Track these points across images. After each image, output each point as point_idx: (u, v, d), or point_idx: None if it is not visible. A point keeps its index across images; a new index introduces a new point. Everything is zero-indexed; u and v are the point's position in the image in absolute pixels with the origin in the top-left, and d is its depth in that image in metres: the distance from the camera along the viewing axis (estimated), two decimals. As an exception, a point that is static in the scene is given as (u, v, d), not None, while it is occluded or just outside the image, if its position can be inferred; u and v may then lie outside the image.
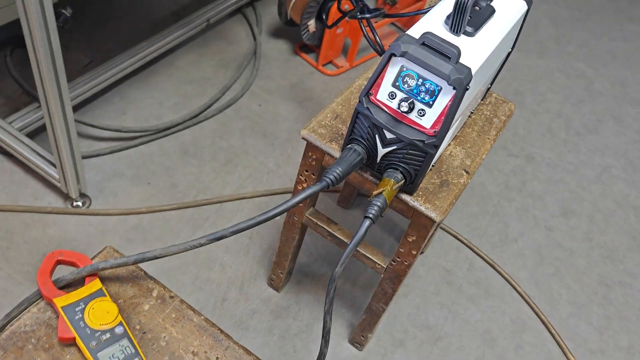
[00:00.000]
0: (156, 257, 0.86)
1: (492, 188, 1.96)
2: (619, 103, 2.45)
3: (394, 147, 0.96)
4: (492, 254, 1.75)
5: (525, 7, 1.11)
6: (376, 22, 2.24)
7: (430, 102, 0.92)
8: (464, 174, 1.11)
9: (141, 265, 0.91)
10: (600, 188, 2.06)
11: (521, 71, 2.47)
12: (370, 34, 1.38)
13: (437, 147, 0.94)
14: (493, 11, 1.03)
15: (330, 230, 1.25)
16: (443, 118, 0.92)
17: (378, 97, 0.95)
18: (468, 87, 0.89)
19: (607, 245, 1.87)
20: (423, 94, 0.92)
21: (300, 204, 1.24)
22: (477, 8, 1.02)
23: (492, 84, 1.25)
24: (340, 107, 1.17)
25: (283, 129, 1.94)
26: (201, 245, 0.86)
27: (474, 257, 1.74)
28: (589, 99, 2.43)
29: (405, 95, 0.93)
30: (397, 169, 0.98)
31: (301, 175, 1.19)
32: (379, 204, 0.93)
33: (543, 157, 2.11)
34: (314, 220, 1.25)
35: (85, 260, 0.88)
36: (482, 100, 1.29)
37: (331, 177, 0.93)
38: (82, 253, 0.87)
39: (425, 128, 0.93)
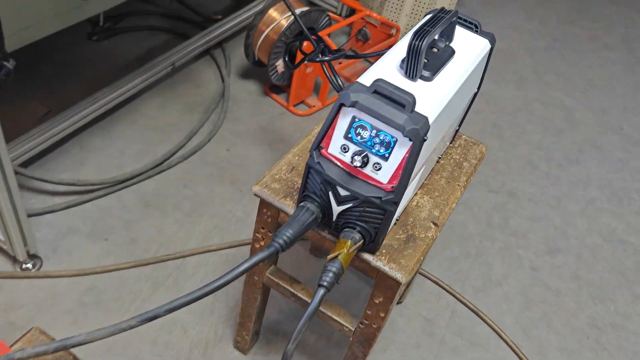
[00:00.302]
0: (80, 344, 0.76)
1: (473, 227, 1.87)
2: (600, 131, 2.39)
3: (350, 205, 0.88)
4: (475, 300, 1.65)
5: (488, 47, 1.04)
6: (340, 63, 2.18)
7: (386, 155, 0.84)
8: (432, 226, 1.02)
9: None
10: (585, 222, 1.98)
11: (499, 103, 2.41)
12: (332, 76, 1.31)
13: (396, 203, 0.86)
14: (453, 52, 0.96)
15: (293, 290, 1.15)
16: (401, 172, 0.83)
17: (330, 150, 0.87)
18: (425, 137, 0.81)
19: (596, 283, 1.78)
20: (378, 146, 0.84)
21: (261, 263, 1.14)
22: (434, 50, 0.95)
23: (460, 125, 1.18)
24: (296, 158, 1.09)
25: (252, 174, 1.86)
26: (131, 327, 0.76)
27: (456, 304, 1.64)
28: (569, 128, 2.37)
29: (359, 148, 0.85)
30: (354, 228, 0.89)
31: (257, 233, 1.09)
32: (334, 269, 0.83)
33: (525, 192, 2.03)
34: (275, 280, 1.16)
35: (2, 349, 0.77)
36: (450, 143, 1.21)
37: (280, 241, 0.84)
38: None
39: (382, 183, 0.85)
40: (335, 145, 0.86)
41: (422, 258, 0.96)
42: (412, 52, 0.86)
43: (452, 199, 1.08)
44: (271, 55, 1.96)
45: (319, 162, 0.87)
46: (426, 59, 0.91)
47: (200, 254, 1.59)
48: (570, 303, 1.71)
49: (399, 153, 0.83)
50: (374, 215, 0.88)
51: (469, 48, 1.00)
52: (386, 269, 0.93)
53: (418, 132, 0.79)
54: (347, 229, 0.89)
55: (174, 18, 2.41)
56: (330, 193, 0.88)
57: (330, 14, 2.17)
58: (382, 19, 2.25)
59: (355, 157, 0.83)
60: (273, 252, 0.83)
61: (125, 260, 1.54)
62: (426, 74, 0.89)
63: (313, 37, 1.36)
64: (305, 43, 1.76)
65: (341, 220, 0.90)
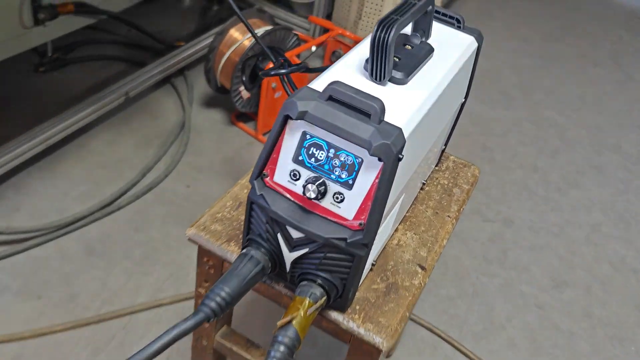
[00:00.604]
0: None
1: (469, 262, 1.65)
2: (597, 151, 2.21)
3: (306, 250, 0.66)
4: (477, 348, 1.43)
5: (475, 45, 0.85)
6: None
7: (349, 182, 0.62)
8: (419, 271, 0.80)
9: None
10: (592, 251, 1.77)
11: (487, 125, 2.22)
12: (291, 91, 1.11)
13: (367, 245, 0.64)
14: (431, 50, 0.76)
15: (249, 357, 0.92)
16: (370, 203, 0.62)
17: (276, 179, 0.66)
18: (401, 156, 0.61)
19: (612, 321, 1.56)
20: (338, 170, 0.63)
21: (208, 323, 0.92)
22: (407, 47, 0.75)
23: (446, 144, 0.97)
24: (245, 191, 0.87)
25: (215, 213, 1.63)
26: None
27: (455, 354, 1.41)
28: (565, 148, 2.18)
29: (313, 175, 0.64)
30: (314, 281, 0.67)
31: (200, 287, 0.87)
32: (285, 341, 0.61)
33: (523, 220, 1.83)
34: (228, 344, 0.93)
35: None
36: (436, 166, 1.00)
37: (212, 304, 0.62)
38: None
39: (347, 220, 0.64)
40: (282, 172, 0.65)
41: (407, 314, 0.74)
42: (378, 46, 0.65)
43: (442, 235, 0.87)
44: (234, 79, 1.77)
45: (262, 195, 0.66)
46: (397, 58, 0.71)
47: (151, 309, 1.36)
48: (584, 346, 1.48)
49: (367, 178, 0.62)
50: (339, 263, 0.66)
51: (451, 46, 0.80)
52: (361, 331, 0.71)
53: (389, 148, 0.59)
54: (305, 282, 0.68)
55: (132, 46, 2.22)
56: (279, 235, 0.67)
57: (300, 34, 1.99)
58: (356, 38, 2.07)
59: (309, 187, 0.62)
60: (200, 321, 0.61)
61: (61, 321, 1.30)
62: (398, 75, 0.69)
63: (273, 53, 1.17)
64: (268, 63, 1.57)
65: (297, 271, 0.69)
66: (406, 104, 0.66)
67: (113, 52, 2.18)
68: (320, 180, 0.63)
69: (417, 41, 0.76)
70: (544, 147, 2.17)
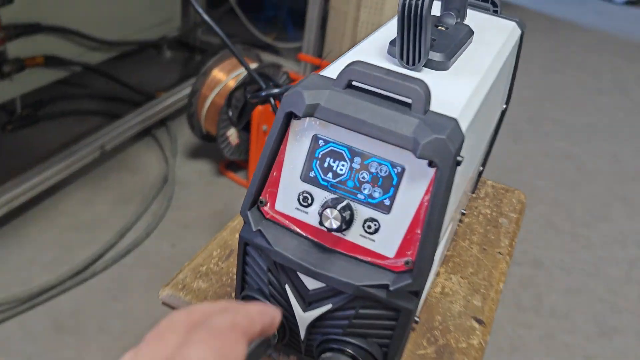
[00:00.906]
0: None
1: (500, 312, 1.44)
2: (619, 180, 2.03)
3: (328, 308, 0.46)
4: (522, 415, 1.19)
5: (519, 31, 0.67)
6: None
7: (386, 202, 0.43)
8: (476, 326, 0.60)
9: None
10: (635, 289, 1.56)
11: (497, 159, 2.05)
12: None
13: (417, 294, 0.44)
14: (470, 32, 0.58)
15: None
16: (420, 230, 0.42)
17: (278, 207, 0.47)
18: (460, 157, 0.42)
19: (673, 371, 1.34)
20: (368, 187, 0.44)
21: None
22: (441, 28, 0.57)
23: (484, 165, 0.79)
24: (237, 235, 0.67)
25: (205, 273, 1.42)
26: None
27: None
28: (585, 180, 2.01)
29: (332, 196, 0.44)
30: (342, 351, 0.47)
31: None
32: None
33: (553, 260, 1.62)
34: None
35: None
36: (472, 193, 0.81)
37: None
38: None
39: (386, 257, 0.44)
40: (287, 197, 0.46)
41: (470, 388, 0.53)
42: (410, 16, 0.48)
43: (496, 277, 0.67)
44: (220, 123, 1.59)
45: (260, 232, 0.46)
46: (433, 39, 0.53)
47: (131, 395, 1.12)
48: (649, 404, 1.26)
49: (412, 194, 0.42)
50: (377, 323, 0.46)
51: (491, 31, 0.63)
52: (410, 419, 0.50)
53: (445, 145, 0.40)
54: (330, 355, 0.47)
55: (110, 100, 2.06)
56: (288, 288, 0.46)
57: (290, 72, 1.84)
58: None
59: (328, 213, 0.43)
60: None
61: (19, 417, 1.06)
62: (436, 57, 0.51)
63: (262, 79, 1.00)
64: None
65: (316, 338, 0.48)
66: (453, 94, 0.48)
67: (89, 107, 2.01)
68: (344, 203, 0.43)
69: (451, 21, 0.58)
70: (563, 180, 1.99)
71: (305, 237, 0.45)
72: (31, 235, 1.47)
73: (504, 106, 0.73)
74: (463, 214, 0.75)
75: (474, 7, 0.68)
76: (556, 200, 1.88)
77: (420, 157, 0.40)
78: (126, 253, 1.46)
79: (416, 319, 0.58)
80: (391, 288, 0.43)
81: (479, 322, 0.60)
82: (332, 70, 0.47)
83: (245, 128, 1.61)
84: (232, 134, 1.65)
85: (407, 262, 0.43)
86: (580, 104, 2.53)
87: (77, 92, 2.06)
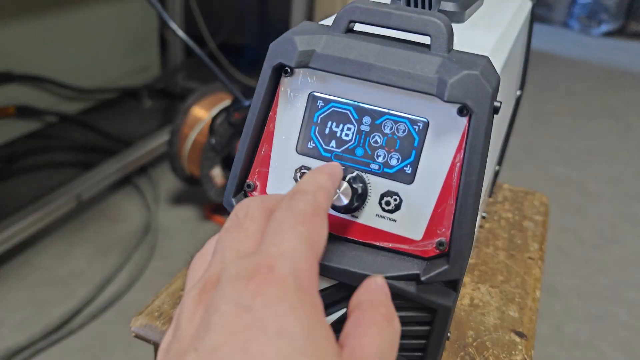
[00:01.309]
0: None
1: (518, 347, 1.31)
2: (624, 201, 1.95)
3: (342, 314, 0.35)
4: None
5: (529, 4, 0.60)
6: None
7: (407, 169, 0.34)
8: (517, 340, 0.49)
9: None
10: (659, 313, 1.45)
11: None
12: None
13: (456, 284, 0.34)
14: (481, -7, 0.51)
15: None
16: (453, 200, 0.33)
17: (270, 190, 0.37)
18: (498, 102, 0.33)
19: None
20: (383, 153, 0.35)
21: None
22: (448, -13, 0.49)
23: (500, 162, 0.70)
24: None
25: (194, 324, 1.29)
26: None
27: None
28: (589, 204, 1.93)
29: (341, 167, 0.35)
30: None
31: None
32: None
33: (568, 287, 1.52)
34: None
35: None
36: (490, 197, 0.72)
37: None
38: None
39: (411, 240, 0.34)
40: (281, 175, 0.37)
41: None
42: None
43: (531, 283, 0.57)
44: (203, 163, 1.50)
45: (247, 219, 0.36)
46: (440, -7, 0.45)
47: None
48: None
49: (441, 154, 0.33)
50: (405, 330, 0.35)
51: (499, 1, 0.55)
52: None
53: (479, 83, 0.31)
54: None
55: (87, 150, 1.97)
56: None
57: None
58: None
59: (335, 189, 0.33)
60: None
61: None
62: (449, 6, 0.43)
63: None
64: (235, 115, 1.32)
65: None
66: (476, 43, 0.39)
67: (65, 158, 1.92)
68: (353, 174, 0.34)
69: (457, -19, 0.50)
70: (567, 205, 1.90)
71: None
72: (1, 294, 1.34)
73: (519, 92, 0.64)
74: (483, 217, 0.65)
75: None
76: (563, 226, 1.78)
77: (448, 101, 0.31)
78: (106, 307, 1.33)
79: (447, 333, 0.47)
80: (422, 278, 0.33)
81: (520, 335, 0.50)
82: (327, 21, 0.39)
83: (230, 165, 1.51)
84: (217, 174, 1.55)
85: (440, 244, 0.33)
86: (574, 131, 2.48)
87: (53, 144, 1.96)
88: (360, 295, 0.27)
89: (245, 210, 0.27)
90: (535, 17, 0.62)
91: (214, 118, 1.36)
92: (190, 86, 2.30)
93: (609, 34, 3.99)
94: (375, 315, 0.26)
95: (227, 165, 1.54)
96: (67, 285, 1.39)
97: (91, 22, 1.85)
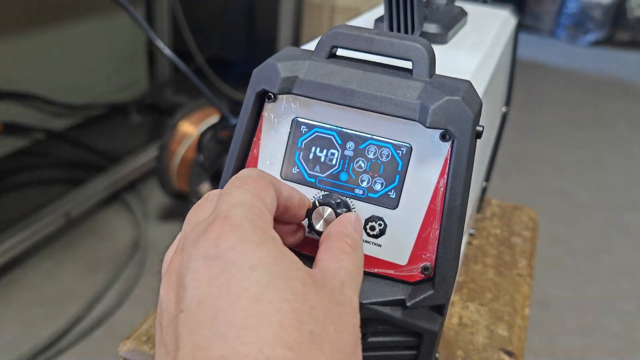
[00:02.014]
0: None
1: (510, 359, 1.31)
2: (615, 212, 1.96)
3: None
4: None
5: (513, 21, 0.60)
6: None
7: (391, 194, 0.34)
8: (507, 359, 0.49)
9: None
10: (651, 323, 1.45)
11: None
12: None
13: (442, 309, 0.34)
14: (464, 12, 0.51)
15: None
16: (438, 224, 0.33)
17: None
18: (480, 127, 0.33)
19: None
20: (367, 177, 0.34)
21: None
22: (432, 7, 0.50)
23: (488, 178, 0.70)
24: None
25: (185, 342, 1.28)
26: None
27: None
28: (580, 215, 1.93)
29: (323, 193, 0.35)
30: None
31: None
32: None
33: (560, 299, 1.52)
34: None
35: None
36: (478, 212, 0.72)
37: None
38: None
39: (396, 265, 0.34)
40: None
41: None
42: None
43: (519, 301, 0.56)
44: (192, 179, 1.49)
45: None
46: (425, 15, 0.45)
47: None
48: None
49: (424, 179, 0.33)
50: (391, 355, 0.35)
51: (484, 18, 0.56)
52: None
53: (461, 108, 0.31)
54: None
55: (76, 167, 1.96)
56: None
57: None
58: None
59: (319, 212, 0.33)
60: None
61: None
62: (432, 28, 0.43)
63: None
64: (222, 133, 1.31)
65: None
66: (458, 65, 0.39)
67: (53, 175, 1.90)
68: (338, 200, 0.33)
69: (441, 1, 0.50)
70: (558, 216, 1.91)
71: (295, 252, 0.35)
72: (-12, 314, 1.32)
73: (505, 109, 0.64)
74: (472, 234, 0.65)
75: (462, -2, 0.61)
76: (554, 237, 1.79)
77: (430, 127, 0.31)
78: (96, 326, 1.31)
79: (436, 355, 0.47)
80: (408, 304, 0.32)
81: (509, 354, 0.49)
82: (310, 45, 0.39)
83: (218, 181, 1.51)
84: (206, 190, 1.54)
85: (425, 269, 0.33)
86: (564, 141, 2.49)
87: (41, 161, 1.95)
88: (330, 228, 0.30)
89: (205, 197, 0.30)
90: (522, 27, 0.63)
91: (202, 134, 1.35)
92: (178, 101, 2.29)
93: (596, 43, 4.03)
94: (342, 244, 0.28)
95: (216, 180, 1.53)
96: (55, 304, 1.37)
97: (78, 39, 1.84)
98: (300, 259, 0.35)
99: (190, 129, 1.53)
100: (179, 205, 1.73)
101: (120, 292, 1.42)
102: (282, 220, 0.32)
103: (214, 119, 1.53)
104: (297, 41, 2.13)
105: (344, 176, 0.34)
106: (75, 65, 1.86)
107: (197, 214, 0.29)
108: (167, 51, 0.93)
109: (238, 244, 0.24)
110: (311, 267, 0.27)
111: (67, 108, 1.85)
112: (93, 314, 1.36)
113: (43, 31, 1.71)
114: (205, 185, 1.53)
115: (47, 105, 1.78)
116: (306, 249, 0.35)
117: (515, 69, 0.62)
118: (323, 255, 0.28)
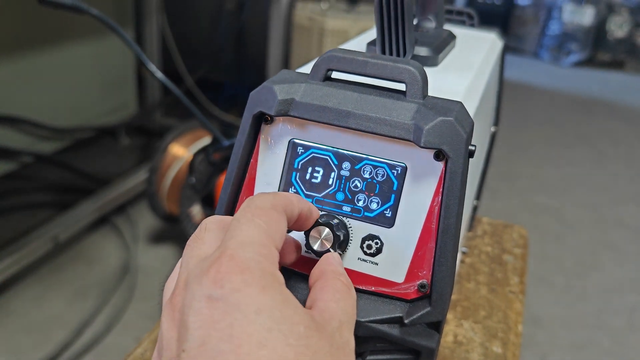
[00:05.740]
0: None
1: (503, 378, 1.31)
2: (603, 229, 1.98)
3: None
4: None
5: (500, 43, 0.62)
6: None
7: (387, 213, 0.34)
8: (502, 378, 0.49)
9: None
10: (641, 339, 1.46)
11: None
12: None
13: (439, 326, 0.34)
14: (452, 35, 0.52)
15: None
16: (433, 242, 0.33)
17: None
18: (472, 147, 0.33)
19: None
20: (363, 197, 0.35)
21: None
22: (421, 31, 0.51)
23: (478, 197, 0.71)
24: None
25: (175, 367, 1.26)
26: None
27: None
28: (569, 232, 1.95)
29: (322, 211, 0.35)
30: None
31: None
32: None
33: (551, 316, 1.52)
34: None
35: None
36: (469, 230, 0.73)
37: None
38: None
39: (393, 284, 0.34)
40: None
41: None
42: (390, 11, 0.41)
43: (512, 318, 0.57)
44: (183, 201, 1.49)
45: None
46: (415, 39, 0.46)
47: None
48: None
49: (419, 198, 0.34)
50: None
51: (471, 41, 0.57)
52: None
53: (454, 129, 0.32)
54: None
55: (64, 191, 1.94)
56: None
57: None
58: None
59: (317, 233, 0.33)
60: None
61: None
62: (423, 51, 0.44)
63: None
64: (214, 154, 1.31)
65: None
66: (449, 86, 0.40)
67: (42, 199, 1.89)
68: (335, 221, 0.34)
69: (430, 25, 0.52)
70: (546, 233, 1.93)
71: (289, 270, 0.35)
72: (-26, 342, 1.30)
73: (493, 129, 0.66)
74: (464, 252, 0.66)
75: (449, 21, 0.63)
76: (543, 255, 1.80)
77: (424, 146, 0.32)
78: (84, 352, 1.29)
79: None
80: (406, 321, 0.33)
81: (506, 372, 0.50)
82: (305, 69, 0.40)
83: (209, 203, 1.51)
84: (197, 212, 1.54)
85: (421, 286, 0.33)
86: (550, 159, 2.53)
87: (29, 185, 1.94)
88: (322, 267, 0.30)
89: (203, 225, 0.29)
90: (506, 49, 0.64)
91: (194, 156, 1.36)
92: (168, 123, 2.29)
93: (578, 64, 4.11)
94: (336, 283, 0.28)
95: (206, 203, 1.53)
96: (43, 330, 1.35)
97: (67, 61, 1.85)
98: (295, 277, 0.35)
99: (180, 151, 1.54)
100: (169, 228, 1.73)
101: (110, 317, 1.40)
102: (288, 228, 0.32)
103: (204, 141, 1.53)
104: (286, 63, 2.15)
105: (340, 196, 0.35)
106: (63, 88, 1.86)
107: (198, 246, 0.28)
108: (159, 74, 0.94)
109: (243, 287, 0.24)
110: (306, 289, 0.28)
111: (56, 131, 1.85)
112: (82, 340, 1.34)
113: (31, 54, 1.72)
114: (196, 207, 1.53)
115: (36, 128, 1.77)
116: (301, 267, 0.35)
117: (503, 86, 0.64)
118: (320, 294, 0.28)
